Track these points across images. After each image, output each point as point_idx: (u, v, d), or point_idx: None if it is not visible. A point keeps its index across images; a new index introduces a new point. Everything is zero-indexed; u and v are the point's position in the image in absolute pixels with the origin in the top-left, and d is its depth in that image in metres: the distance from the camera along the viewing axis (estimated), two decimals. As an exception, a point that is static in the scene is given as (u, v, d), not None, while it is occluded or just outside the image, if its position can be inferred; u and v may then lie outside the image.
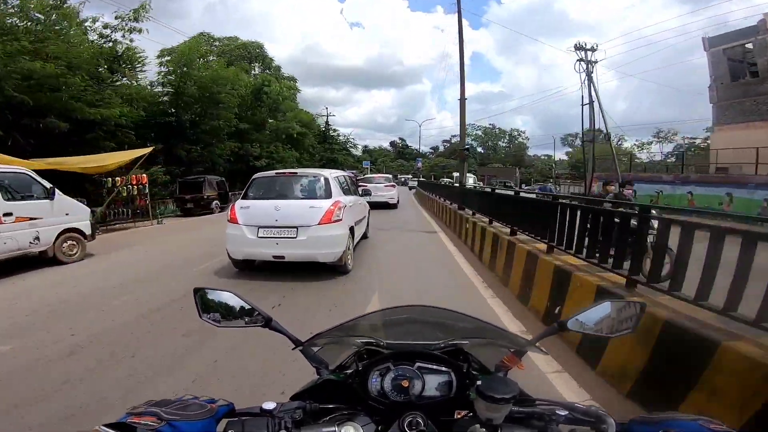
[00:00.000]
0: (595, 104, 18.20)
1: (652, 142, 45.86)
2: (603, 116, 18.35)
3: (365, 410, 0.74)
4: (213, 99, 17.06)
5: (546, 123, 77.45)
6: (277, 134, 24.66)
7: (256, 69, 27.83)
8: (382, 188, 14.89)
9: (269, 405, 0.69)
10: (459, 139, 14.24)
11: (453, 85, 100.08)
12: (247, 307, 0.90)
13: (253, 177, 5.58)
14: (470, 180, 28.45)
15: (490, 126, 67.59)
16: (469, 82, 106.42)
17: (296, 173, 5.51)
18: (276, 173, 5.67)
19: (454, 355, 0.84)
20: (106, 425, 0.53)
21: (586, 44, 18.25)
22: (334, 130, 30.76)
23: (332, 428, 0.66)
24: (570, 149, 58.53)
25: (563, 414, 0.69)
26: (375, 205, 12.61)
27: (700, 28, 74.69)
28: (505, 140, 69.35)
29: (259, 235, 4.87)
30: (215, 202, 14.78)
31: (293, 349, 0.86)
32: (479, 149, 67.96)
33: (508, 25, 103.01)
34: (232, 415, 0.67)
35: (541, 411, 0.70)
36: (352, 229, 5.49)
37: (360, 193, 7.49)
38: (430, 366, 0.78)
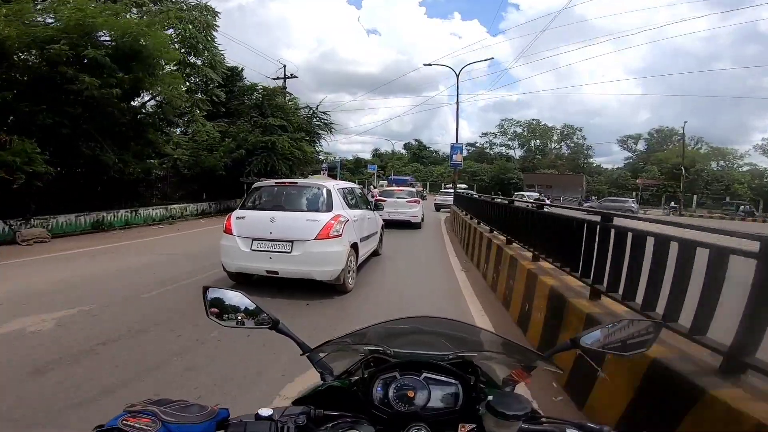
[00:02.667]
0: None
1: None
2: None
3: (369, 419, 0.78)
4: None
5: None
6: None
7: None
8: (403, 204, 13.16)
9: (266, 411, 0.71)
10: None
11: (469, 92, 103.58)
12: (255, 308, 0.97)
13: (253, 186, 5.88)
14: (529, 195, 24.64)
15: (534, 121, 59.69)
16: (484, 89, 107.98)
17: (296, 183, 5.79)
18: (276, 182, 5.93)
19: (462, 367, 0.88)
20: (99, 428, 0.57)
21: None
22: (289, 97, 22.88)
23: None
24: (630, 154, 54.65)
25: None
26: (394, 224, 12.08)
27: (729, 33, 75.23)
28: (556, 139, 60.03)
29: (253, 247, 5.08)
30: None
31: (301, 355, 0.93)
32: (518, 152, 60.93)
33: (526, 31, 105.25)
34: (227, 421, 0.70)
35: (551, 428, 0.73)
36: (355, 246, 5.65)
37: (372, 206, 7.64)
38: (437, 377, 0.83)
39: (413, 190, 16.15)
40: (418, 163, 61.47)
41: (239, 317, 0.98)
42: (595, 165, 57.93)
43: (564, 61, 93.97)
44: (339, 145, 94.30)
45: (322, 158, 25.70)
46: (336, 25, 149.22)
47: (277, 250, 5.02)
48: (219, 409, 0.69)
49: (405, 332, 1.07)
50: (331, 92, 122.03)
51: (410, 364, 0.85)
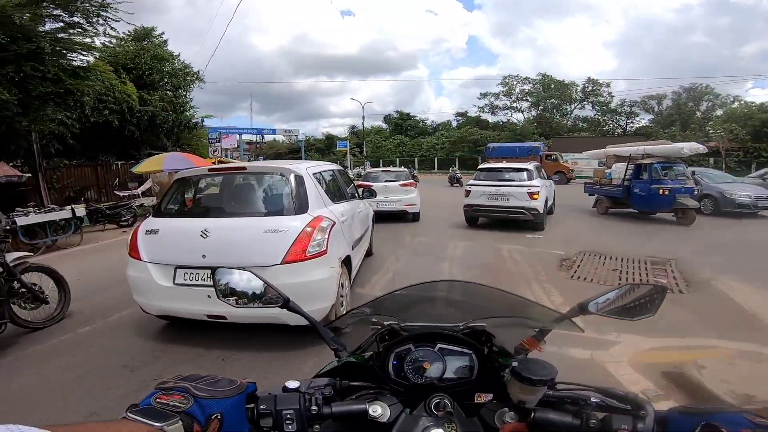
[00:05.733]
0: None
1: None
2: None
3: (390, 390, 0.88)
4: None
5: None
6: None
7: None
8: (396, 189, 10.69)
9: (293, 384, 0.79)
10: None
11: (449, 70, 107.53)
12: (265, 287, 1.04)
13: (175, 178, 3.96)
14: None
15: (544, 75, 51.17)
16: (465, 67, 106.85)
17: (245, 168, 3.84)
18: (210, 170, 4.05)
19: (476, 336, 0.97)
20: (134, 410, 0.61)
21: None
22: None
23: (362, 405, 0.78)
24: (652, 116, 48.42)
25: (598, 399, 0.77)
26: (384, 216, 10.07)
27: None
28: (577, 98, 51.30)
29: (178, 280, 3.34)
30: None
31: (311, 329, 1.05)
32: (526, 114, 53.04)
33: (504, 7, 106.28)
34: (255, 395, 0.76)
35: (575, 395, 0.79)
36: (348, 261, 4.07)
37: (359, 193, 5.98)
38: (451, 348, 0.92)
39: (405, 170, 13.08)
40: (402, 135, 56.21)
41: (251, 297, 1.03)
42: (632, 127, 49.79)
43: (541, 35, 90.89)
44: (322, 130, 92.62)
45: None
46: (308, 8, 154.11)
47: (219, 283, 3.25)
48: (248, 383, 0.74)
49: (417, 303, 1.14)
50: (310, 76, 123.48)
51: (424, 336, 0.94)
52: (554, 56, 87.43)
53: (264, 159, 55.74)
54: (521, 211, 8.94)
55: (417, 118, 61.29)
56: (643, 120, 49.50)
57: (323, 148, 58.36)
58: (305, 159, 53.97)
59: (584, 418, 0.73)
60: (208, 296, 3.28)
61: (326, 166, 4.82)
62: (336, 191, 4.75)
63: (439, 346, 0.92)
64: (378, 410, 0.78)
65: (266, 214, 3.55)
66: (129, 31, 20.23)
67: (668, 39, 77.76)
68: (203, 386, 0.68)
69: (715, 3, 77.39)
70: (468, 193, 9.67)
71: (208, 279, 3.30)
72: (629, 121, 50.11)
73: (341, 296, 3.83)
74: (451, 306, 1.12)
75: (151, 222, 3.60)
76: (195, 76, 21.77)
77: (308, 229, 3.39)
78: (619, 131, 48.24)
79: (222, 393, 0.68)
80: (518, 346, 0.98)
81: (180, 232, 3.45)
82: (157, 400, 0.63)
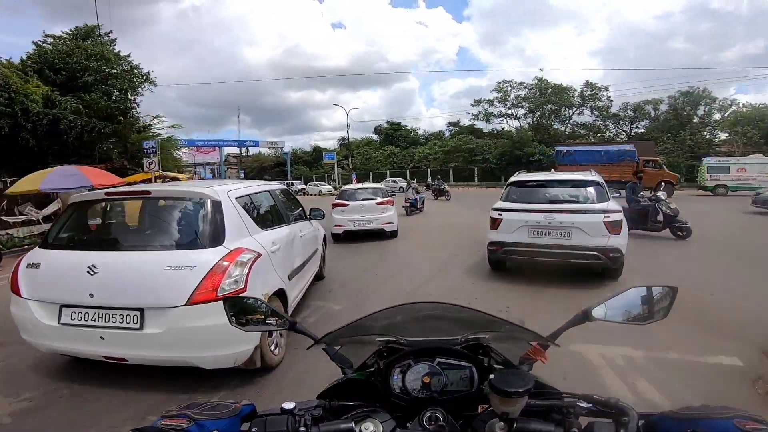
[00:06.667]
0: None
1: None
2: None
3: (386, 407, 0.91)
4: None
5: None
6: None
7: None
8: (372, 207, 10.51)
9: (289, 405, 0.85)
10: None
11: (439, 81, 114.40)
12: (272, 312, 1.16)
13: (69, 202, 3.70)
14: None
15: (540, 80, 50.10)
16: (454, 78, 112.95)
17: (149, 193, 3.55)
18: (107, 194, 3.67)
19: (475, 350, 1.02)
20: (136, 430, 0.73)
21: None
22: None
23: (350, 425, 0.82)
24: (646, 121, 47.58)
25: (584, 406, 0.81)
26: (359, 235, 10.19)
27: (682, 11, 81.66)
28: (575, 102, 50.04)
29: (63, 320, 3.07)
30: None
31: (308, 348, 1.10)
32: (528, 118, 51.70)
33: (490, 17, 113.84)
34: (254, 415, 0.85)
35: (560, 404, 0.82)
36: (281, 293, 3.80)
37: (306, 214, 5.77)
38: (450, 361, 0.97)
39: (380, 185, 12.47)
40: (392, 146, 55.65)
41: (260, 322, 1.15)
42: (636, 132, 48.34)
43: (528, 45, 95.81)
44: (312, 143, 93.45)
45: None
46: (299, 20, 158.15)
47: (112, 324, 3.01)
48: (243, 405, 0.85)
49: (415, 318, 1.17)
50: (301, 89, 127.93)
51: (423, 351, 0.98)
52: (543, 65, 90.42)
53: (244, 174, 55.13)
54: (592, 254, 5.43)
55: (408, 128, 61.08)
56: (639, 125, 49.31)
57: (311, 160, 58.07)
58: (291, 172, 54.10)
59: (567, 426, 0.77)
60: (101, 338, 2.98)
61: (257, 188, 4.51)
62: (271, 216, 4.47)
63: (438, 360, 0.96)
64: (370, 428, 0.82)
65: (171, 247, 3.23)
66: (69, 30, 18.91)
67: (652, 45, 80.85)
68: (202, 411, 0.80)
69: (696, 9, 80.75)
70: (496, 223, 6.01)
71: (100, 319, 2.98)
72: (633, 125, 49.41)
73: (279, 335, 3.60)
74: (447, 321, 1.14)
75: (35, 254, 3.28)
76: (144, 77, 19.94)
77: (223, 264, 3.08)
78: (623, 136, 47.68)
79: (219, 415, 0.79)
80: (523, 357, 1.00)
81: (64, 267, 3.12)
82: (162, 424, 0.76)
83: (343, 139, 49.89)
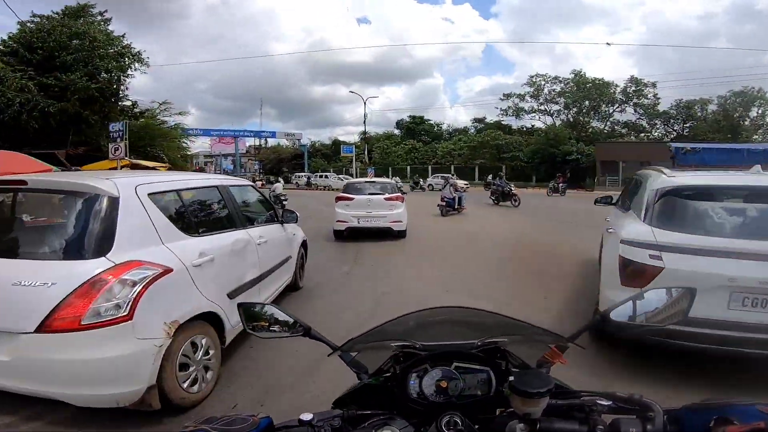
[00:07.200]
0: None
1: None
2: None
3: (404, 413, 0.92)
4: None
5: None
6: None
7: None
8: (379, 203, 9.57)
9: (307, 416, 0.85)
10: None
11: (464, 78, 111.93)
12: (288, 318, 1.13)
13: None
14: None
15: (578, 74, 47.04)
16: (480, 75, 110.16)
17: (25, 183, 2.72)
18: None
19: (492, 353, 1.00)
20: None
21: None
22: None
23: None
24: (692, 122, 43.57)
25: (606, 404, 0.83)
26: (366, 234, 9.33)
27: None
28: (617, 99, 47.02)
29: None
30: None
31: (329, 355, 1.07)
32: (562, 115, 48.51)
33: (518, 15, 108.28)
34: (271, 427, 0.84)
35: (582, 402, 0.84)
36: (211, 318, 2.99)
37: (278, 216, 4.95)
38: (468, 366, 0.96)
39: (392, 181, 11.54)
40: (414, 140, 53.84)
41: (275, 328, 1.14)
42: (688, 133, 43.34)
43: (559, 43, 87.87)
44: (334, 137, 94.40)
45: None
46: (325, 15, 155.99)
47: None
48: (261, 419, 0.83)
49: (431, 324, 1.17)
50: (325, 84, 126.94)
51: (440, 356, 0.97)
52: (573, 64, 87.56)
53: (261, 165, 54.95)
54: None
55: (431, 122, 59.45)
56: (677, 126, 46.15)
57: (330, 153, 57.52)
58: (308, 165, 53.36)
59: (591, 424, 0.79)
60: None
61: (196, 182, 3.65)
62: (211, 219, 3.63)
63: (455, 364, 0.96)
64: None
65: (31, 256, 2.46)
66: (59, 11, 17.76)
67: (691, 44, 75.99)
68: (220, 426, 0.81)
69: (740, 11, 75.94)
70: (646, 275, 2.93)
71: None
72: (686, 124, 45.47)
73: (205, 368, 2.83)
74: (463, 326, 1.14)
75: None
76: (135, 57, 18.34)
77: (99, 282, 2.27)
78: (672, 136, 44.02)
79: (236, 430, 0.80)
80: (541, 360, 0.99)
81: None
82: None
83: (364, 133, 48.97)
